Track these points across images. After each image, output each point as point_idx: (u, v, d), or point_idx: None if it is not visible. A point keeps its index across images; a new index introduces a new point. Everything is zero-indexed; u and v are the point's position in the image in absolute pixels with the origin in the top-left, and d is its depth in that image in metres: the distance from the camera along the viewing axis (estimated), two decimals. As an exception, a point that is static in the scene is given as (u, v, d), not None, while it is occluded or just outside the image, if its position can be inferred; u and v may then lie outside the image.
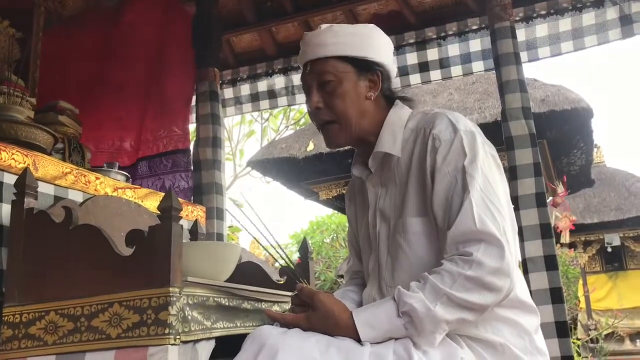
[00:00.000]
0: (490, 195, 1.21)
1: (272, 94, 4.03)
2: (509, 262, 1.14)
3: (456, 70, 3.59)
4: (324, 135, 1.41)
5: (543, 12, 3.33)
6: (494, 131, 3.17)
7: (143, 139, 3.37)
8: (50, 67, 3.08)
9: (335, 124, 1.36)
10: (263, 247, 1.44)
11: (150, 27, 3.51)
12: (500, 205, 1.21)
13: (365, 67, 1.37)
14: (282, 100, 4.05)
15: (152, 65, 3.47)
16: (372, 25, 1.43)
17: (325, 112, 1.36)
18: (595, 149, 8.74)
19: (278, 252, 1.44)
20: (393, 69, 1.44)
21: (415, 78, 3.67)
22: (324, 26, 1.39)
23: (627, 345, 9.74)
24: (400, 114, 1.39)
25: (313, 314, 1.22)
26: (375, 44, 1.40)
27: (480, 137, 1.29)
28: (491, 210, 1.19)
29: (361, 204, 1.52)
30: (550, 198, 7.37)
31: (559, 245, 7.79)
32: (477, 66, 3.52)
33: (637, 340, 9.84)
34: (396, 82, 3.65)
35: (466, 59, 3.54)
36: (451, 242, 1.19)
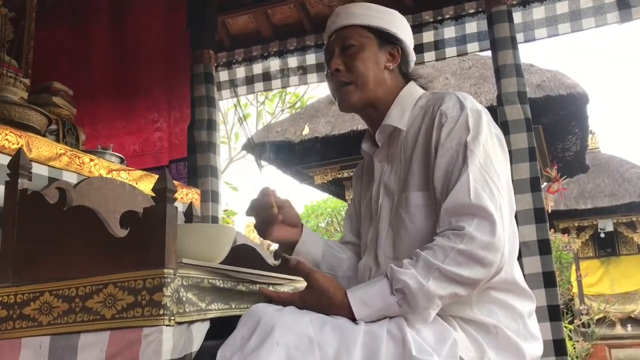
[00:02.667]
0: (489, 171, 1.22)
1: (266, 77, 4.01)
2: (500, 238, 1.15)
3: (451, 51, 3.56)
4: (339, 97, 1.43)
5: (540, -4, 3.31)
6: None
7: (173, 140, 3.40)
8: (68, 63, 3.11)
9: (352, 85, 1.40)
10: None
11: (156, 21, 3.51)
12: (499, 183, 1.22)
13: (387, 40, 1.43)
14: (277, 83, 4.03)
15: (164, 61, 3.48)
16: (395, 11, 1.50)
17: (344, 73, 1.40)
18: (590, 135, 8.76)
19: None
20: (412, 54, 1.51)
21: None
22: (351, 3, 1.47)
23: (618, 330, 9.86)
24: (412, 91, 1.44)
25: (307, 292, 1.23)
26: (398, 23, 1.47)
27: (486, 116, 1.30)
28: (489, 185, 1.20)
29: (367, 180, 1.54)
30: (545, 184, 7.40)
31: (552, 230, 7.84)
32: (472, 47, 3.50)
33: (628, 325, 9.96)
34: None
35: (461, 40, 3.52)
36: (444, 215, 1.20)
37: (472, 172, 1.20)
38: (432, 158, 1.28)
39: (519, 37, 3.19)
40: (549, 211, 7.91)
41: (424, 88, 1.48)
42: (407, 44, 1.47)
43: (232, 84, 4.05)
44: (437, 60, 3.73)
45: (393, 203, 1.37)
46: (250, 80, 4.04)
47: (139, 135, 3.41)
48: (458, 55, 3.76)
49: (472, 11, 3.51)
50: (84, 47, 3.53)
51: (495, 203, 1.18)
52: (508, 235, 1.19)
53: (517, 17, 3.27)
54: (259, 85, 4.05)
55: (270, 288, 1.68)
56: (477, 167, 1.21)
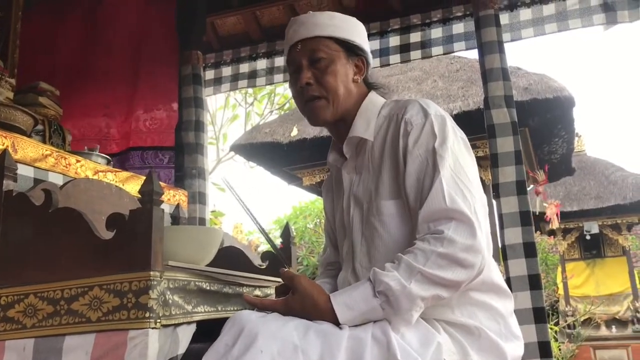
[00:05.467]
0: (460, 175, 1.24)
1: (252, 75, 3.99)
2: (480, 240, 1.17)
3: (437, 49, 3.58)
4: (310, 111, 1.42)
5: (527, 1, 3.34)
6: (477, 119, 3.19)
7: (134, 127, 3.34)
8: (33, 50, 3.04)
9: (323, 99, 1.39)
10: (257, 225, 1.45)
11: (133, 9, 3.46)
12: (470, 185, 1.25)
13: (354, 52, 1.43)
14: (261, 80, 4.02)
15: (136, 50, 3.43)
16: (355, 18, 1.49)
17: (315, 87, 1.39)
18: (576, 138, 8.82)
19: (264, 233, 1.47)
20: (372, 61, 1.50)
21: (395, 58, 3.65)
22: (315, 12, 1.45)
23: (603, 331, 9.93)
24: (374, 101, 1.44)
25: (292, 297, 1.23)
26: (361, 32, 1.47)
27: (450, 121, 1.33)
28: (461, 189, 1.22)
29: (337, 192, 1.54)
30: (532, 186, 7.45)
31: (538, 232, 7.89)
32: (459, 46, 3.50)
33: (613, 327, 10.03)
34: (375, 62, 3.64)
35: (448, 40, 3.53)
36: (422, 221, 1.22)
37: (444, 178, 1.22)
38: (402, 166, 1.30)
39: (506, 36, 3.21)
40: (558, 214, 7.95)
41: (383, 94, 1.49)
42: (368, 53, 1.47)
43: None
44: (422, 58, 3.72)
45: (363, 213, 1.38)
46: (235, 78, 4.02)
47: (79, 119, 3.26)
48: (444, 54, 3.77)
49: (459, 14, 3.52)
50: (58, 37, 3.43)
51: (469, 205, 1.20)
52: (486, 236, 1.21)
53: (504, 18, 3.29)
54: (242, 83, 4.03)
55: (257, 291, 1.69)
56: (448, 172, 1.23)
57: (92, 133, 3.32)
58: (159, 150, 3.30)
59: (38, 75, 2.50)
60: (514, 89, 3.28)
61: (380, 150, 1.37)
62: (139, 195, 1.32)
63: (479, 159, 5.81)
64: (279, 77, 3.96)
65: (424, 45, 3.58)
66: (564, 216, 10.19)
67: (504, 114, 2.87)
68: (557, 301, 10.61)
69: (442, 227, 1.18)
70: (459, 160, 1.27)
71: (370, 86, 1.49)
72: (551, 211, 7.81)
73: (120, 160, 3.19)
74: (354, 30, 1.44)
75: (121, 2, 3.45)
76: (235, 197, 1.43)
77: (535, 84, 5.97)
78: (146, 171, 3.07)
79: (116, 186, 2.01)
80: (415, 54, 3.61)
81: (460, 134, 1.35)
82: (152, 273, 1.25)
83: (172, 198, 2.41)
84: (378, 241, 1.33)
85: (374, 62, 3.61)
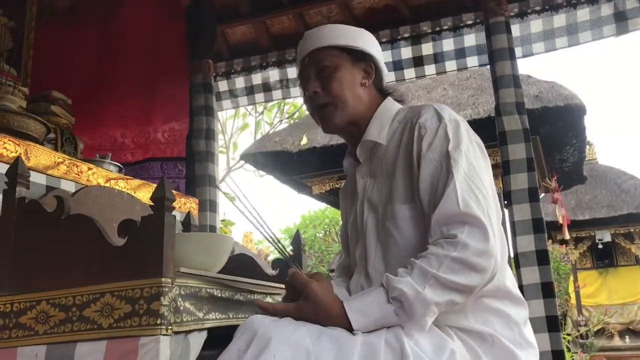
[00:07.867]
0: (474, 179, 1.24)
1: (266, 87, 4.01)
2: (493, 244, 1.16)
3: (450, 65, 3.59)
4: (321, 119, 1.45)
5: (537, 8, 3.34)
6: (487, 127, 3.18)
7: (152, 138, 3.36)
8: (47, 61, 3.07)
9: (331, 105, 1.41)
10: (263, 233, 1.45)
11: (145, 19, 3.50)
12: (484, 190, 1.24)
13: (360, 57, 1.45)
14: (277, 94, 4.04)
15: (148, 60, 3.46)
16: (360, 28, 1.52)
17: (322, 95, 1.42)
18: (587, 146, 8.78)
19: (274, 241, 1.46)
20: (384, 67, 1.51)
21: (409, 72, 3.67)
22: (319, 26, 1.50)
23: (617, 342, 9.83)
24: (389, 107, 1.45)
25: (304, 303, 1.22)
26: (368, 40, 1.49)
27: (464, 125, 1.32)
28: (475, 193, 1.21)
29: (351, 196, 1.54)
30: (543, 194, 7.41)
31: (550, 241, 7.83)
32: (472, 61, 3.52)
33: (627, 337, 9.93)
34: (390, 77, 3.65)
35: (460, 54, 3.55)
36: (435, 225, 1.21)
37: (457, 181, 1.21)
38: (415, 170, 1.30)
39: (517, 51, 3.21)
40: (570, 223, 7.89)
41: (399, 102, 1.50)
42: (378, 59, 1.48)
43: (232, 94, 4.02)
44: (437, 74, 3.75)
45: (378, 217, 1.38)
46: (250, 91, 4.05)
47: (94, 129, 3.29)
48: (458, 70, 3.79)
49: (470, 22, 3.53)
50: (71, 46, 3.46)
51: (483, 210, 1.19)
52: (498, 241, 1.20)
53: (515, 30, 3.29)
54: (259, 96, 4.05)
55: (268, 298, 1.68)
56: (462, 175, 1.23)
57: (108, 143, 3.35)
58: (178, 161, 3.32)
59: (51, 84, 2.52)
60: (525, 96, 3.27)
61: (394, 155, 1.37)
62: (151, 203, 1.32)
63: (490, 167, 5.79)
64: (295, 90, 3.98)
65: (437, 58, 3.59)
66: (576, 225, 10.13)
67: (515, 121, 2.86)
68: (567, 310, 10.52)
69: (456, 232, 1.17)
70: (473, 164, 1.26)
71: (384, 92, 1.49)
72: (560, 222, 7.75)
73: (139, 170, 3.21)
74: (358, 36, 1.47)
75: (133, 12, 3.48)
76: (240, 209, 1.42)
77: (545, 92, 5.95)
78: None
79: (128, 193, 2.02)
80: (430, 69, 3.63)
81: (475, 138, 1.35)
82: (163, 279, 1.25)
83: (183, 206, 2.42)
84: (393, 245, 1.32)
85: (388, 76, 3.66)
